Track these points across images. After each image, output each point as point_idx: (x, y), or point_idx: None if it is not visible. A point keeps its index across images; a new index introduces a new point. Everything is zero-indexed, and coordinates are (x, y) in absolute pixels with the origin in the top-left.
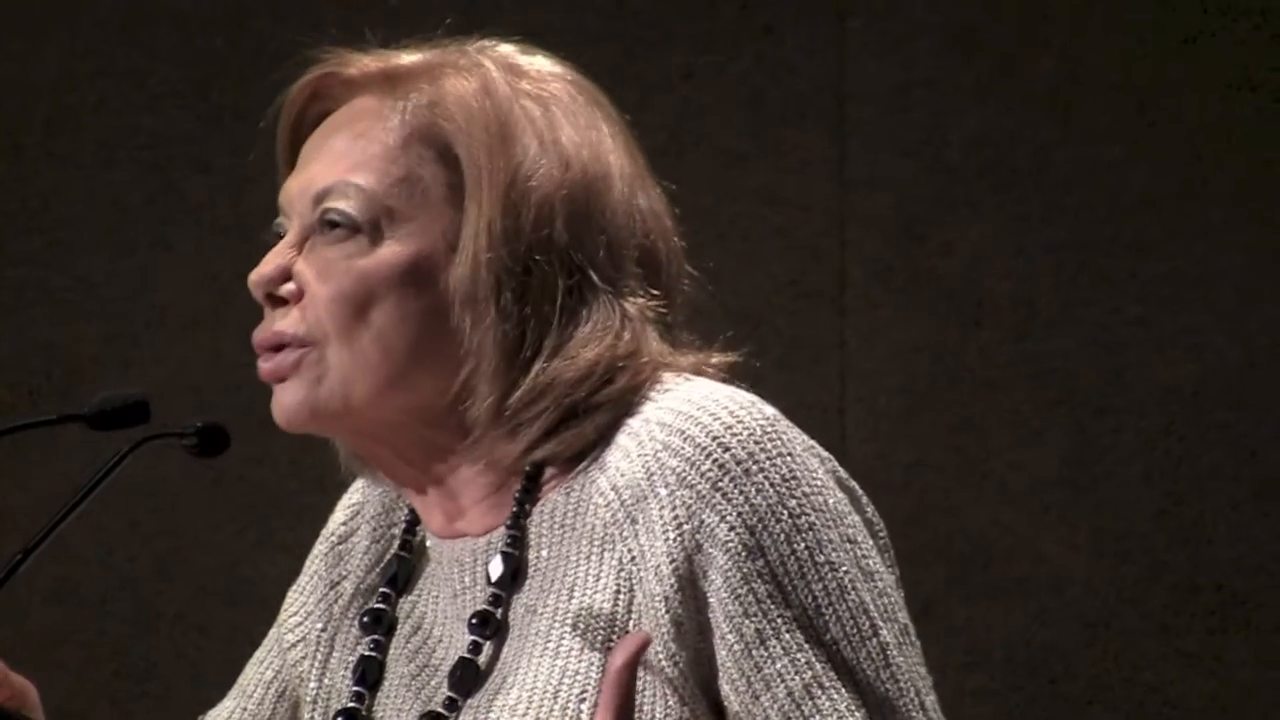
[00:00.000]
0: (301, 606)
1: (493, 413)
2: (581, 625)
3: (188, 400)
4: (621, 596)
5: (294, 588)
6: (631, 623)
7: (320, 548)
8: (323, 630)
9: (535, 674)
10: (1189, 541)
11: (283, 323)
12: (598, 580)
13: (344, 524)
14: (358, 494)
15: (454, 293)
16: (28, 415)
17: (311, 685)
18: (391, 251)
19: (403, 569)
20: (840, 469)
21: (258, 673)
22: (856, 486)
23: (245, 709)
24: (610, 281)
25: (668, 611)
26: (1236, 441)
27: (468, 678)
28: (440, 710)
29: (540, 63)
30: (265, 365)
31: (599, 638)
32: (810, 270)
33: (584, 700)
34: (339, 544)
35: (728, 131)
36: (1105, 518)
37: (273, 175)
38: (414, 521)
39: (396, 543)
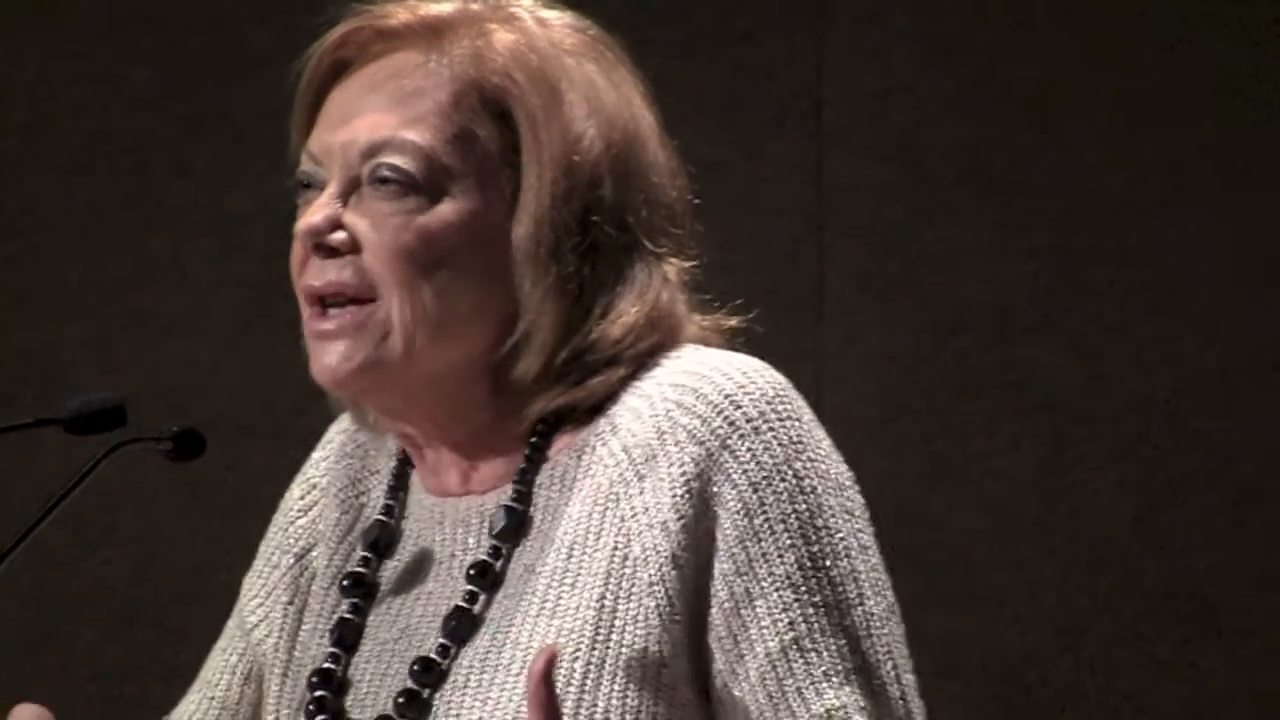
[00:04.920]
0: (262, 588)
1: (541, 369)
2: (578, 584)
3: (164, 404)
4: (618, 553)
5: (250, 573)
6: (626, 578)
7: (277, 525)
8: (289, 604)
9: (531, 632)
10: (1163, 549)
11: (340, 274)
12: (597, 539)
13: (302, 499)
14: (313, 469)
15: (515, 250)
16: (3, 419)
17: (281, 658)
18: (451, 209)
19: (384, 534)
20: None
21: (221, 660)
22: (850, 471)
23: (212, 699)
24: (652, 242)
25: (675, 568)
26: (1211, 450)
27: (463, 626)
28: (433, 657)
29: (565, 17)
30: (326, 325)
31: (594, 596)
32: (788, 277)
33: (576, 659)
34: (299, 517)
35: (705, 137)
36: (1080, 525)
37: (252, 179)
38: (397, 487)
39: (377, 509)
